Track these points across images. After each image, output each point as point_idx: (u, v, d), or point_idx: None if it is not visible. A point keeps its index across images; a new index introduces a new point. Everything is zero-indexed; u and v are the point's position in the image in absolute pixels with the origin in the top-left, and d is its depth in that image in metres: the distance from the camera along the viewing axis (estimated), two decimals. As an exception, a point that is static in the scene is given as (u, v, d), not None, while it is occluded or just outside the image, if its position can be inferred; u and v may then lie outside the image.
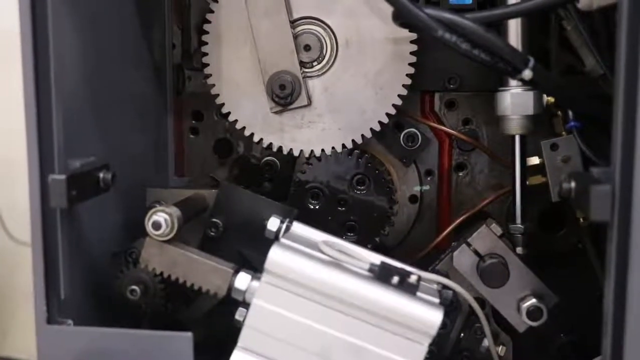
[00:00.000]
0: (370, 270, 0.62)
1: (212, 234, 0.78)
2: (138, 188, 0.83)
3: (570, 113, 0.77)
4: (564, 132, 0.78)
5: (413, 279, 0.61)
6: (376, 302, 0.60)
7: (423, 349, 0.60)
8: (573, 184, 0.58)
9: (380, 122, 0.80)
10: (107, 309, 0.72)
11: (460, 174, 0.92)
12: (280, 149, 0.81)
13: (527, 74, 0.64)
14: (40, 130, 0.61)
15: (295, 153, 0.81)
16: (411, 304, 0.60)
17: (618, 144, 0.51)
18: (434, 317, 0.60)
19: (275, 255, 0.62)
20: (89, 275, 0.70)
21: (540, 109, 0.76)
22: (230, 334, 0.64)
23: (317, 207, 0.86)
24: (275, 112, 0.80)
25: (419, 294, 0.62)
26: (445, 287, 0.66)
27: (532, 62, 0.64)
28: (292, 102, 0.79)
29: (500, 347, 0.79)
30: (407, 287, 0.61)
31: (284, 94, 0.78)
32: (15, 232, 1.62)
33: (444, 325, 0.62)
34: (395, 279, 0.61)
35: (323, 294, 0.61)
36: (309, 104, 0.80)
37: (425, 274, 0.64)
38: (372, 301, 0.60)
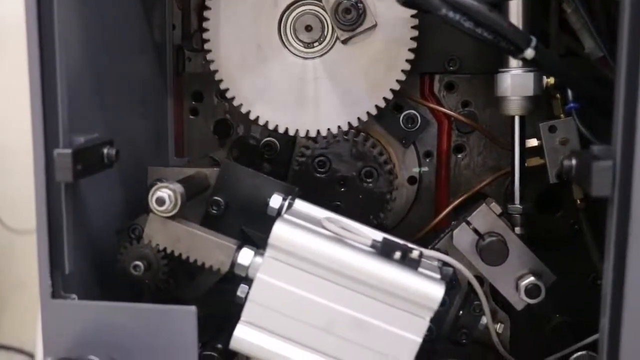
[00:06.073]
0: (372, 246, 0.63)
1: (214, 212, 0.78)
2: (138, 168, 0.83)
3: (569, 95, 0.78)
4: (562, 115, 0.79)
5: (415, 254, 0.62)
6: (379, 276, 0.61)
7: (424, 322, 0.61)
8: (574, 162, 0.59)
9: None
10: (110, 284, 0.73)
11: (459, 155, 0.92)
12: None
13: (529, 53, 0.65)
14: (45, 106, 0.61)
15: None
16: (413, 279, 0.61)
17: (619, 121, 0.52)
18: (436, 291, 0.60)
19: (279, 229, 0.62)
20: (93, 251, 0.70)
21: (540, 90, 0.77)
22: (231, 311, 0.65)
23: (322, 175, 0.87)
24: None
25: (420, 269, 0.63)
26: (445, 264, 0.67)
27: (534, 41, 0.65)
28: (359, 25, 0.78)
29: (499, 324, 0.80)
30: (409, 263, 0.62)
31: (350, 19, 0.77)
32: (10, 221, 1.62)
33: (443, 303, 0.62)
34: (397, 255, 0.62)
35: (326, 269, 0.61)
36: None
37: (426, 251, 0.65)
38: (374, 275, 0.61)
